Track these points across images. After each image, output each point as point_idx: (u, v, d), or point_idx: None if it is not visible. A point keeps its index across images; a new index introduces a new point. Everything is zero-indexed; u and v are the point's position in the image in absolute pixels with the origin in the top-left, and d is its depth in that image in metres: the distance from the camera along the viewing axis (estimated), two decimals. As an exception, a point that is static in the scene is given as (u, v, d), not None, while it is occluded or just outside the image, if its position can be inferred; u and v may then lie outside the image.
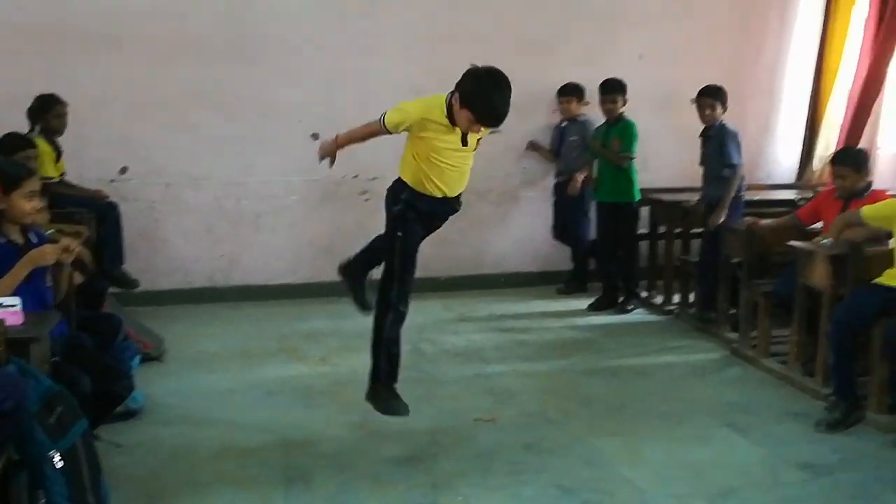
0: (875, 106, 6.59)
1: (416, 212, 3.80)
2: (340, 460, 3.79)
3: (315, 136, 6.61)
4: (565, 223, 6.89)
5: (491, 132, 3.80)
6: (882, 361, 4.16)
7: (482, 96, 3.54)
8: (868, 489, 3.52)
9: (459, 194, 3.89)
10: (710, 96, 5.77)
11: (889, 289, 4.17)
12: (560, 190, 6.82)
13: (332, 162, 3.91)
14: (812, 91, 7.24)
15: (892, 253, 4.26)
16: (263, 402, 4.52)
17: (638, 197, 6.40)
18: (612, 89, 6.31)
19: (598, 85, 6.42)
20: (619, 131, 6.30)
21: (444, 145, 3.67)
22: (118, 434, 3.95)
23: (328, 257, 6.81)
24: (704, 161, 5.93)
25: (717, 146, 5.75)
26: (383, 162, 6.72)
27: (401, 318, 3.85)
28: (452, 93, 3.61)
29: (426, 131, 3.65)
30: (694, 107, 5.88)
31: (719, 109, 5.76)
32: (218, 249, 6.60)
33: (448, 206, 3.88)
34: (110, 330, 4.24)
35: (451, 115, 3.62)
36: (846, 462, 3.77)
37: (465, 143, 3.70)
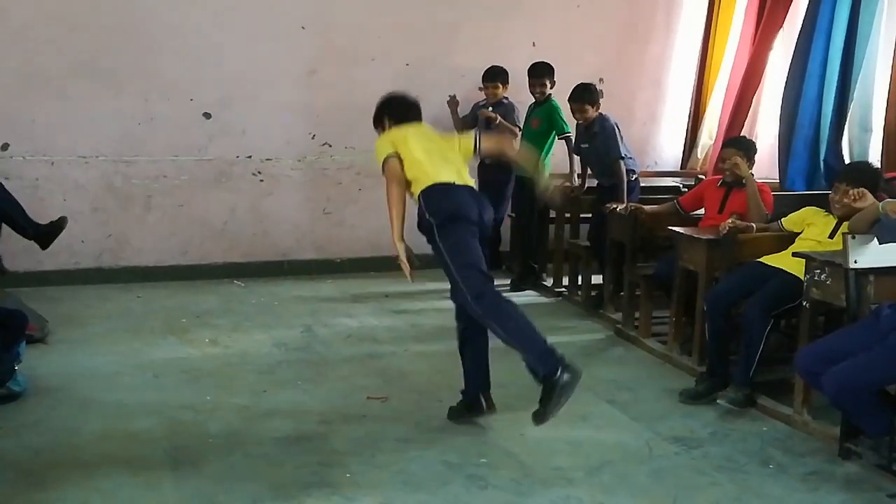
0: (755, 97, 6.84)
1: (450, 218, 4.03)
2: (229, 441, 3.78)
3: (207, 116, 6.54)
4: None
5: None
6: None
7: (398, 106, 4.11)
8: (734, 460, 3.73)
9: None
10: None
11: (766, 266, 4.41)
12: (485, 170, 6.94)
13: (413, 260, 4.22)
14: (696, 82, 7.49)
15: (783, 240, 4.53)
16: (151, 384, 4.46)
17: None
18: (541, 72, 6.51)
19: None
20: (543, 112, 6.52)
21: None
22: (-1, 417, 3.86)
23: (220, 239, 6.77)
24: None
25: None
26: (276, 143, 6.74)
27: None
28: (380, 128, 4.13)
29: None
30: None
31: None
32: (106, 229, 6.45)
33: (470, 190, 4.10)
34: (16, 328, 4.15)
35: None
36: (715, 436, 3.98)
37: None
